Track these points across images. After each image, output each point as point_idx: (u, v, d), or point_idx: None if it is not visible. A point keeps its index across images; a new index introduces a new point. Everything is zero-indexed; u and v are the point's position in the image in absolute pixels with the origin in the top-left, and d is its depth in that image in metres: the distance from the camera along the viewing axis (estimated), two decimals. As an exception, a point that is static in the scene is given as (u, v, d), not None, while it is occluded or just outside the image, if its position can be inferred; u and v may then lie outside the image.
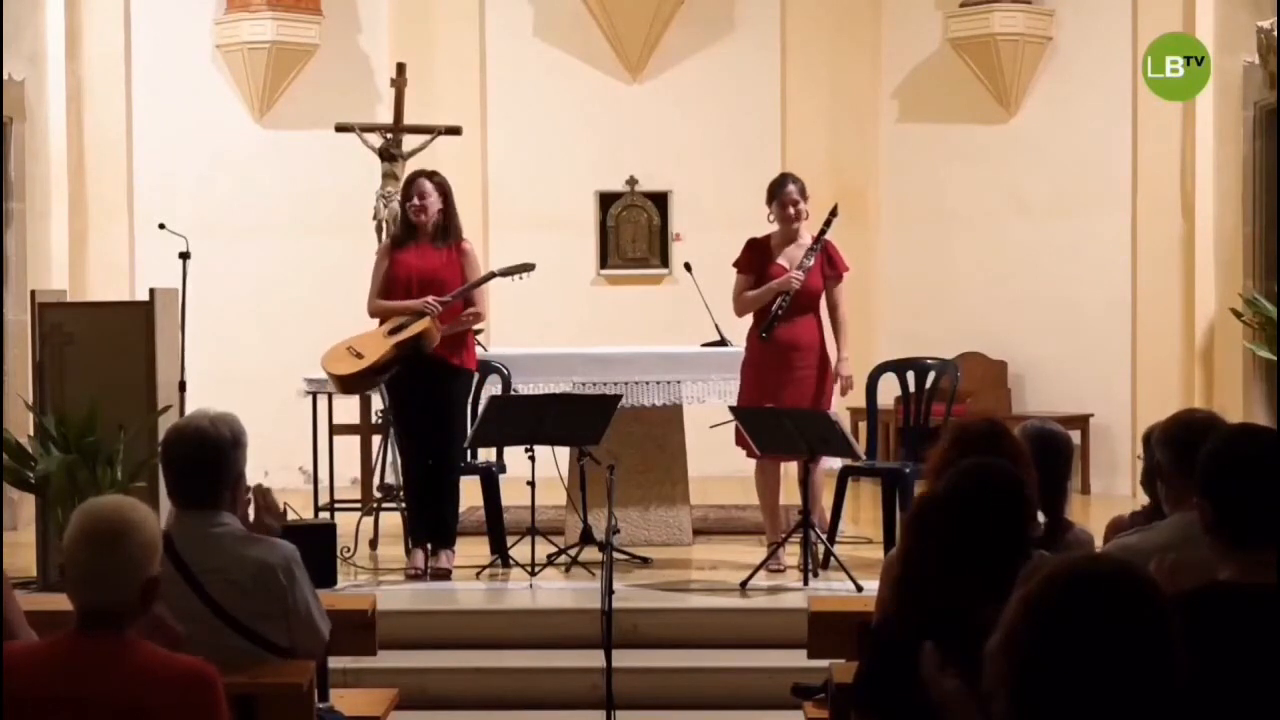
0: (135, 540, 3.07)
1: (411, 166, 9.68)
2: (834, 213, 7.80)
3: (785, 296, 7.64)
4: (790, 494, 7.90)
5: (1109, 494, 10.42)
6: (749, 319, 7.88)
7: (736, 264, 7.87)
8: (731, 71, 11.89)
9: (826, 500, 8.10)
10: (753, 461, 7.86)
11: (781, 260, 7.76)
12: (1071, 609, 2.00)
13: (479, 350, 8.12)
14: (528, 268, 7.85)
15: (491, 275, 7.76)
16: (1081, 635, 1.98)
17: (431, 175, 7.74)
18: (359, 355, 7.45)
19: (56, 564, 3.29)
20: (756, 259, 7.81)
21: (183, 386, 7.75)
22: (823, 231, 7.75)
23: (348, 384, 7.63)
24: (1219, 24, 9.91)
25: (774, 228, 7.84)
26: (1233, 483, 2.91)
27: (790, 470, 7.88)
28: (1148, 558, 3.75)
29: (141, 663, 3.03)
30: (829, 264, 7.79)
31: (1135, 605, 2.01)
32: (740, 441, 7.72)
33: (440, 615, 7.13)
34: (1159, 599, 2.04)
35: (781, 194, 7.77)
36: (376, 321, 7.67)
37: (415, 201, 7.61)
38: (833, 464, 7.90)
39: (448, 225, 7.68)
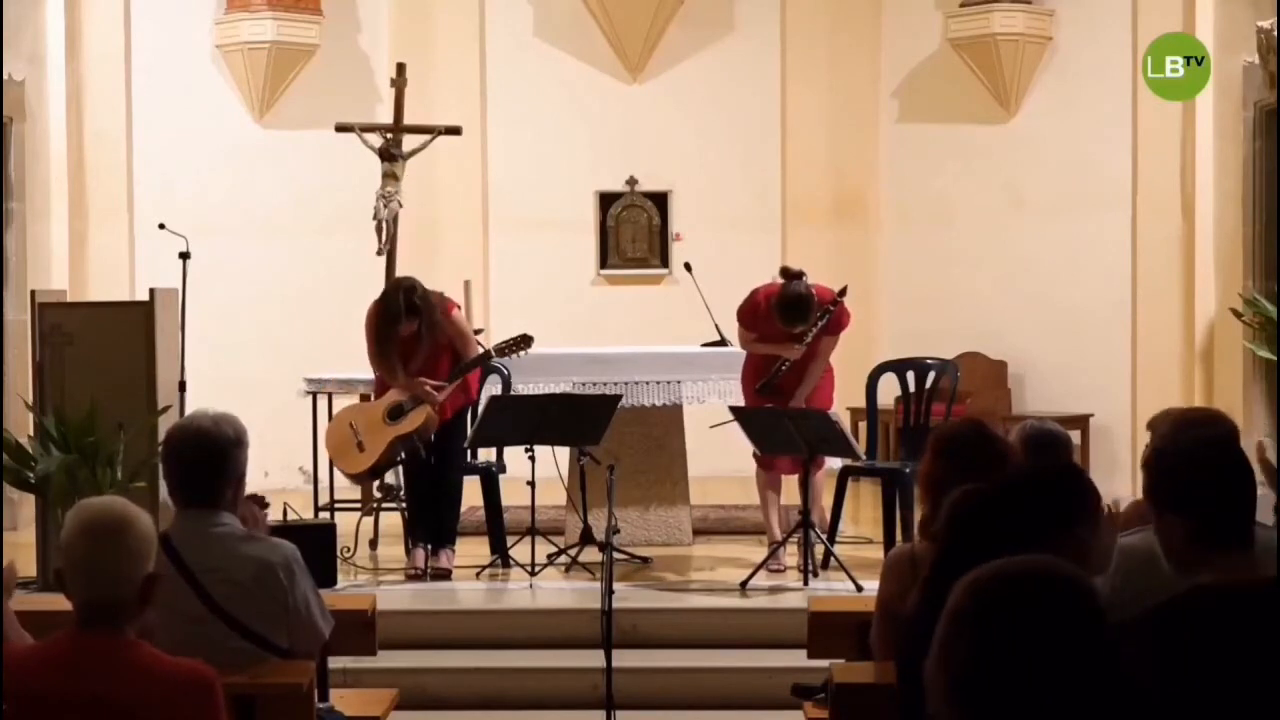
0: (133, 534, 3.07)
1: (411, 166, 9.70)
2: (843, 292, 7.77)
3: (784, 364, 7.70)
4: (790, 494, 7.90)
5: (1109, 494, 10.39)
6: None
7: (739, 316, 7.85)
8: (731, 71, 11.89)
9: (826, 500, 8.09)
10: (752, 462, 7.87)
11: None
12: (992, 614, 1.98)
13: (479, 350, 8.11)
14: (525, 342, 7.69)
15: (488, 355, 7.69)
16: (1006, 639, 1.96)
17: (412, 306, 7.48)
18: (361, 448, 7.59)
19: (54, 569, 3.27)
20: (757, 319, 7.77)
21: (183, 386, 7.75)
22: (824, 313, 7.66)
23: (354, 478, 7.96)
24: (1219, 24, 9.91)
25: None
26: (1198, 490, 2.90)
27: (790, 471, 7.89)
28: (1146, 558, 3.75)
29: (141, 664, 3.03)
30: (831, 327, 7.76)
31: (1055, 603, 1.99)
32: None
33: (440, 615, 7.14)
34: (1082, 594, 2.02)
35: (790, 328, 7.60)
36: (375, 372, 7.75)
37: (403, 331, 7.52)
38: (833, 464, 7.90)
39: (431, 332, 7.54)
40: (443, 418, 7.60)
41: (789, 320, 7.60)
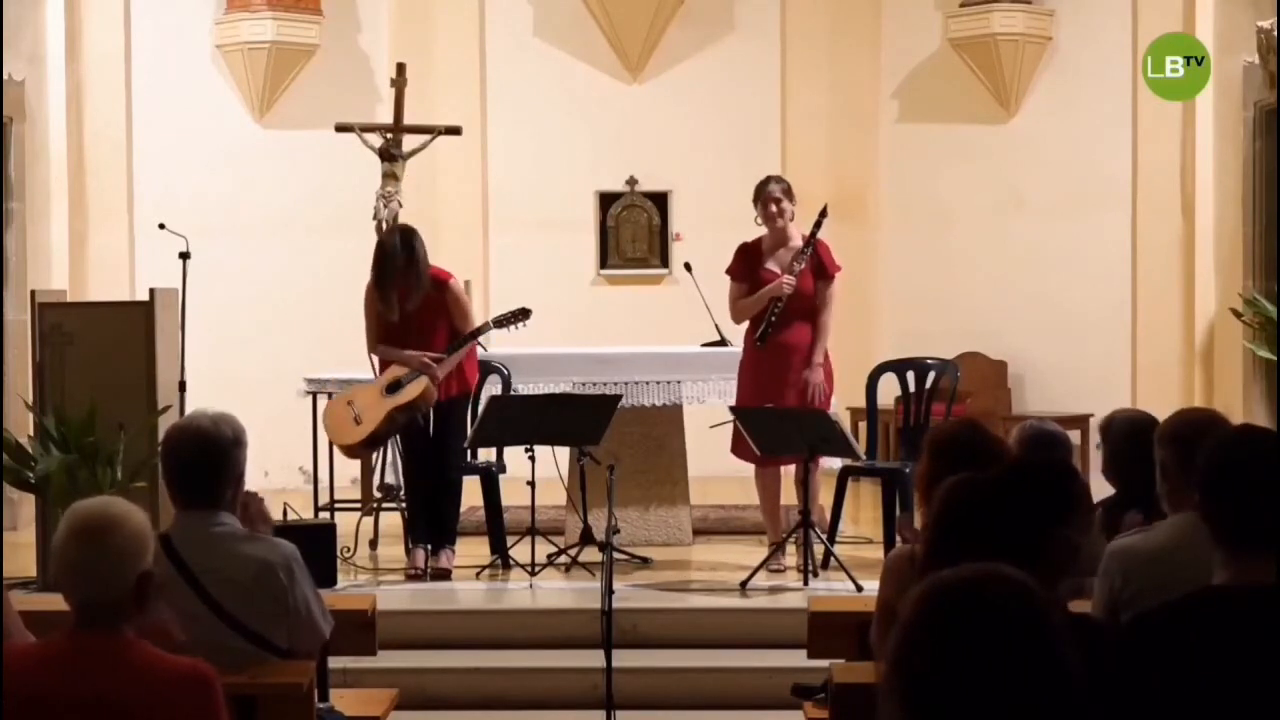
0: (122, 532, 3.07)
1: (411, 166, 9.71)
2: (823, 213, 7.80)
3: (779, 303, 7.64)
4: (790, 494, 7.89)
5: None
6: (746, 321, 7.88)
7: (729, 271, 7.86)
8: (731, 71, 11.89)
9: (826, 500, 8.09)
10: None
11: (772, 265, 7.75)
12: (943, 624, 1.98)
13: (479, 350, 8.12)
14: (524, 315, 7.75)
15: (487, 326, 7.71)
16: (957, 649, 1.95)
17: (409, 241, 7.54)
18: (358, 421, 7.53)
19: (52, 570, 3.28)
20: (748, 265, 7.80)
21: (183, 386, 7.75)
22: (813, 234, 7.74)
23: (349, 452, 7.83)
24: (1219, 24, 9.92)
25: (764, 231, 7.84)
26: (1230, 485, 2.90)
27: (790, 470, 7.87)
28: (1147, 559, 3.75)
29: (140, 663, 3.03)
30: (819, 266, 7.78)
31: (1004, 609, 1.98)
32: (736, 449, 7.71)
33: (440, 615, 7.13)
34: (1031, 600, 2.01)
35: (764, 193, 7.79)
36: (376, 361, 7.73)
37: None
38: (833, 464, 7.89)
39: (423, 278, 7.53)
40: (442, 394, 7.55)
41: (760, 187, 7.79)
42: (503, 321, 7.71)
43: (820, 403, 7.67)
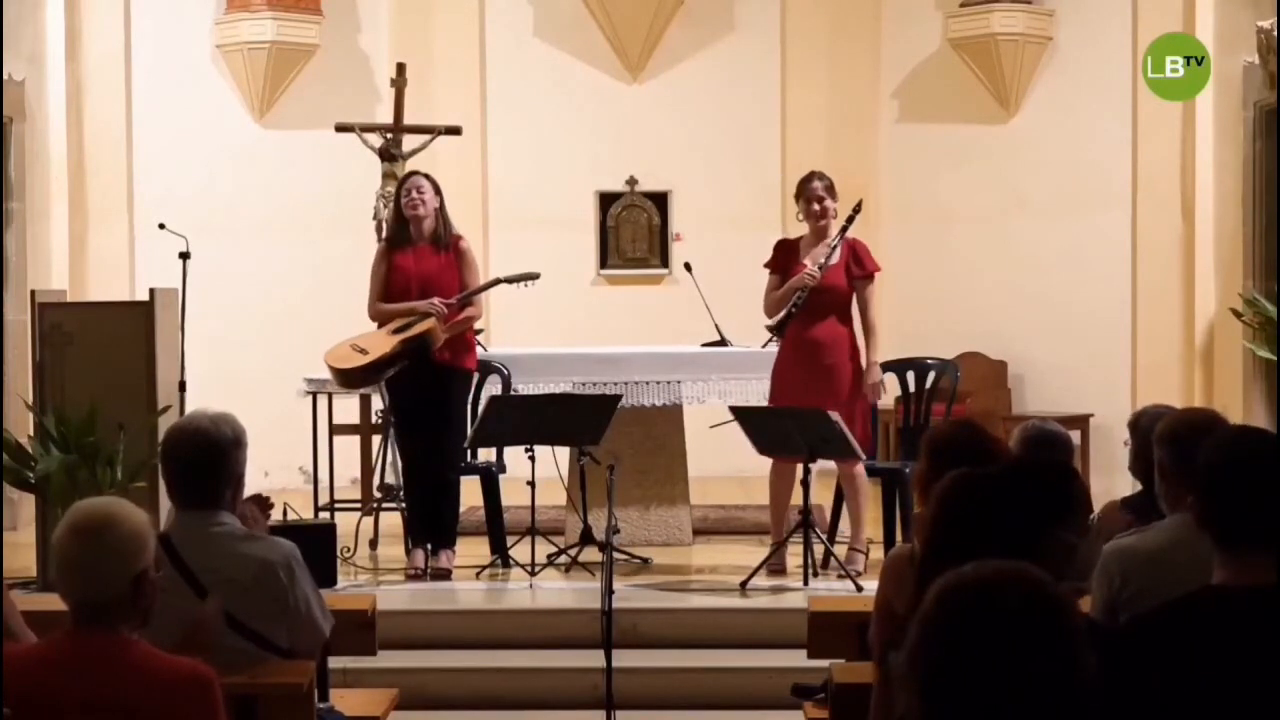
0: (119, 531, 3.07)
1: (411, 166, 9.71)
2: (857, 209, 7.76)
3: (801, 294, 7.58)
4: (795, 494, 7.88)
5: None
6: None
7: (766, 265, 7.84)
8: (731, 71, 11.89)
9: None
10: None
11: (806, 260, 7.71)
12: (961, 620, 1.98)
13: (479, 350, 8.12)
14: (533, 276, 7.83)
15: (497, 281, 7.80)
16: (975, 645, 1.96)
17: (426, 176, 7.76)
18: (363, 351, 7.48)
19: (51, 569, 3.30)
20: (784, 258, 7.77)
21: (183, 386, 7.75)
22: (844, 228, 7.70)
23: (349, 378, 7.63)
24: (1219, 24, 9.92)
25: (805, 228, 7.79)
26: (1229, 485, 2.89)
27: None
28: (1146, 559, 3.75)
29: (139, 663, 3.03)
30: (856, 263, 7.72)
31: (1025, 608, 1.99)
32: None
33: (440, 615, 7.14)
34: (1050, 599, 2.02)
35: (807, 190, 7.72)
36: (376, 325, 7.69)
37: (413, 195, 7.60)
38: (829, 465, 7.88)
39: (442, 228, 7.65)
40: (444, 356, 7.50)
41: (802, 183, 7.75)
42: (513, 279, 7.79)
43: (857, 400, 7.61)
